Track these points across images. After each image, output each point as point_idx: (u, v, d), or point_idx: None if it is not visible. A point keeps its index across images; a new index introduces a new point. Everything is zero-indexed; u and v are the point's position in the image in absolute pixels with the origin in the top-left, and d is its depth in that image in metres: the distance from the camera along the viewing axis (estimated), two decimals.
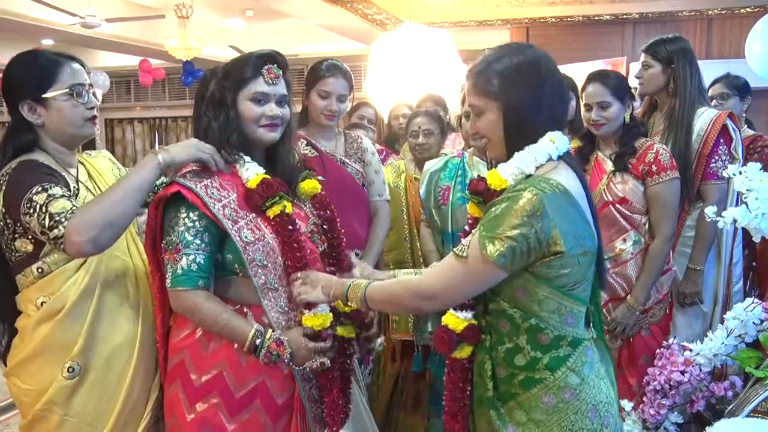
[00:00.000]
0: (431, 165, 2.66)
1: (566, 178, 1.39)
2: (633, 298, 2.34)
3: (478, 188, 1.48)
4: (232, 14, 7.39)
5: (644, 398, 2.09)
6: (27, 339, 1.68)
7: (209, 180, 1.59)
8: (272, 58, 1.70)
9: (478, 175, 1.56)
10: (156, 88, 9.32)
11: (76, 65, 1.72)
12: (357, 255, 2.42)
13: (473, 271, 1.35)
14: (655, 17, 6.26)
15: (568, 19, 6.53)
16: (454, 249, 1.39)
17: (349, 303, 1.53)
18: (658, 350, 2.16)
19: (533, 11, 6.48)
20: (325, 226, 1.80)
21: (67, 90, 1.67)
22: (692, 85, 2.56)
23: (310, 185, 1.80)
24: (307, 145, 2.43)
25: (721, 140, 2.52)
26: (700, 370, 1.97)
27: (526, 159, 1.40)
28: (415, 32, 4.87)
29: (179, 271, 1.54)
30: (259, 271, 1.58)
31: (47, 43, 7.43)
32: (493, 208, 1.36)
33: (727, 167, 2.49)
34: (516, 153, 1.41)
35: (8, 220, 1.63)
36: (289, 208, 1.61)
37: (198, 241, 1.55)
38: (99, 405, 1.67)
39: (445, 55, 4.78)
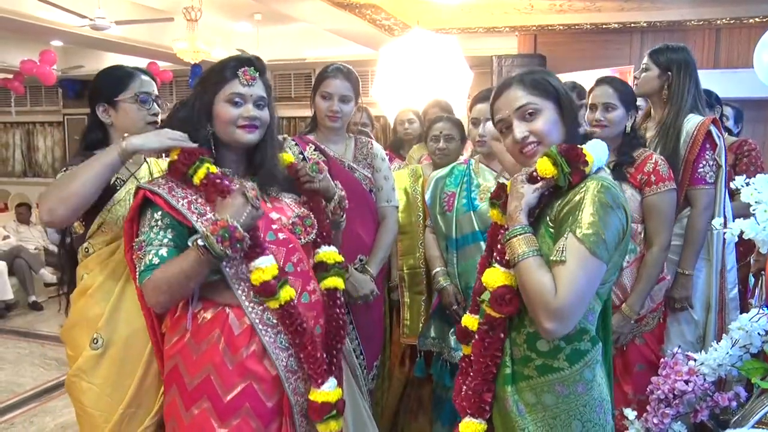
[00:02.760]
0: (437, 172, 2.68)
1: (609, 175, 1.47)
2: (628, 306, 2.36)
3: (578, 155, 1.40)
4: (240, 18, 7.42)
5: (648, 407, 2.09)
6: (71, 310, 1.99)
7: (174, 182, 1.62)
8: (248, 60, 1.70)
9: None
10: (163, 90, 9.35)
11: (146, 78, 2.02)
12: (361, 261, 2.44)
13: (585, 269, 1.33)
14: (663, 26, 6.26)
15: (576, 27, 6.53)
16: (552, 258, 1.35)
17: (507, 250, 1.42)
18: (662, 359, 2.15)
19: (541, 19, 6.49)
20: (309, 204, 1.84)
21: (134, 96, 1.96)
22: (688, 95, 2.57)
23: (285, 158, 1.85)
24: (315, 149, 2.44)
25: (707, 145, 2.53)
26: (705, 380, 1.97)
27: (601, 153, 1.45)
28: (422, 38, 4.89)
29: (142, 267, 1.56)
30: (232, 261, 1.59)
31: (56, 44, 7.49)
32: (571, 209, 1.37)
33: (714, 172, 2.51)
34: (590, 143, 1.46)
35: None
36: (213, 169, 1.60)
37: (160, 237, 1.58)
38: (118, 379, 1.87)
39: (452, 61, 4.79)
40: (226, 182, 1.58)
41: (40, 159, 10.72)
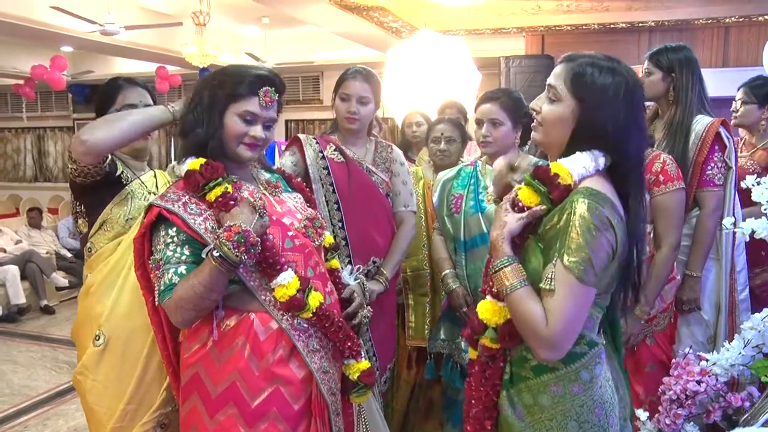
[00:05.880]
0: (444, 174, 2.68)
1: (608, 188, 1.41)
2: (638, 307, 2.34)
3: (547, 175, 1.40)
4: (248, 21, 7.45)
5: (660, 408, 2.08)
6: (78, 310, 2.04)
7: (187, 196, 1.60)
8: (271, 80, 1.66)
9: (541, 164, 1.47)
10: (172, 94, 9.39)
11: (136, 89, 2.09)
12: (374, 263, 2.44)
13: (574, 297, 1.32)
14: (671, 25, 6.22)
15: (584, 27, 6.51)
16: (542, 285, 1.35)
17: (495, 282, 1.42)
18: (673, 359, 2.15)
19: (549, 19, 6.47)
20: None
21: (120, 108, 2.02)
22: (693, 93, 2.56)
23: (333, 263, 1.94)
24: (335, 149, 2.45)
25: (716, 147, 2.51)
26: (717, 380, 1.96)
27: (588, 163, 1.41)
28: (430, 40, 4.89)
29: (162, 287, 1.55)
30: (253, 274, 1.60)
31: (66, 50, 7.53)
32: (559, 232, 1.35)
33: (723, 174, 2.49)
34: (578, 153, 1.41)
35: (76, 201, 2.01)
36: (230, 189, 1.58)
37: (178, 255, 1.56)
38: (120, 375, 1.91)
39: (460, 63, 4.79)
40: (237, 200, 1.58)
41: (50, 164, 10.80)
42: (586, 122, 1.42)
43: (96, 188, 1.94)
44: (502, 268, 1.40)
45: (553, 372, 1.43)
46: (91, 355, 1.93)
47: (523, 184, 1.47)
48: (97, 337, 1.92)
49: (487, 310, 1.48)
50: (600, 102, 1.40)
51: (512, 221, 1.42)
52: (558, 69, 1.47)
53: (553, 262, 1.35)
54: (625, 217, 1.40)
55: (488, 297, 1.49)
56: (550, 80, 1.47)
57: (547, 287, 1.34)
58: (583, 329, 1.42)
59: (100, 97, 2.10)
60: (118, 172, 2.02)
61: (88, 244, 2.00)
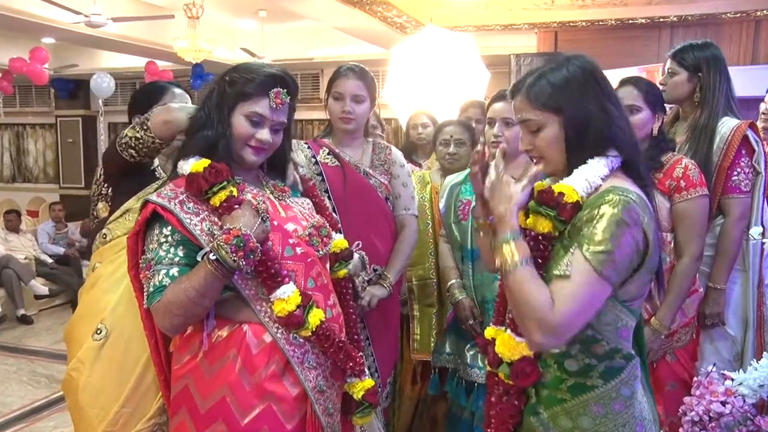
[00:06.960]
0: (452, 178, 2.68)
1: (634, 188, 1.42)
2: (658, 320, 2.33)
3: (552, 198, 1.39)
4: (244, 15, 7.47)
5: (680, 430, 2.06)
6: (79, 302, 2.04)
7: (185, 194, 1.59)
8: (284, 81, 1.66)
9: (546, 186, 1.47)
10: None
11: (179, 91, 2.20)
12: (375, 271, 2.43)
13: (589, 287, 1.32)
14: (695, 20, 6.16)
15: (600, 23, 6.50)
16: (556, 272, 1.34)
17: (497, 255, 1.40)
18: (695, 378, 2.13)
19: (562, 15, 6.47)
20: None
21: None
22: (720, 94, 2.54)
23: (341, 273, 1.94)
24: (329, 153, 2.45)
25: (743, 152, 2.50)
26: (744, 401, 1.94)
27: (593, 171, 1.41)
28: (436, 36, 4.89)
29: (152, 289, 1.55)
30: (249, 282, 1.59)
31: (48, 41, 7.56)
32: (585, 223, 1.35)
33: (750, 180, 2.48)
34: (581, 167, 1.42)
35: (101, 178, 2.08)
36: (235, 192, 1.58)
37: (171, 255, 1.56)
38: (118, 375, 1.88)
39: (468, 61, 4.79)
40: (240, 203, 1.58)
41: (30, 163, 10.82)
42: (574, 125, 1.42)
43: (133, 174, 1.96)
44: (509, 240, 1.37)
45: (592, 390, 1.42)
46: (88, 349, 1.91)
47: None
48: (98, 331, 1.90)
49: (504, 344, 1.47)
50: (573, 96, 1.42)
51: (517, 192, 1.42)
52: (516, 104, 1.48)
53: (572, 250, 1.34)
54: None
55: (509, 331, 1.48)
56: (519, 118, 1.48)
57: (562, 273, 1.33)
58: (621, 341, 1.43)
59: (141, 98, 2.16)
60: (154, 166, 2.07)
61: (104, 231, 2.01)
